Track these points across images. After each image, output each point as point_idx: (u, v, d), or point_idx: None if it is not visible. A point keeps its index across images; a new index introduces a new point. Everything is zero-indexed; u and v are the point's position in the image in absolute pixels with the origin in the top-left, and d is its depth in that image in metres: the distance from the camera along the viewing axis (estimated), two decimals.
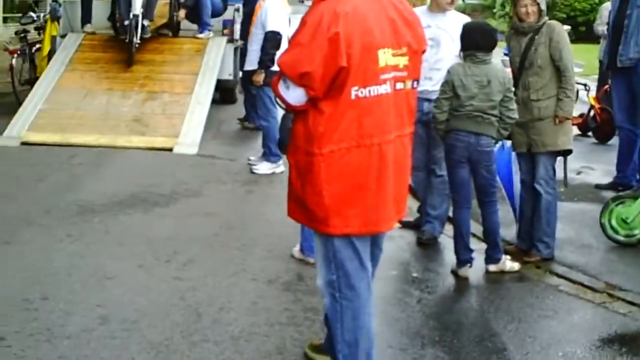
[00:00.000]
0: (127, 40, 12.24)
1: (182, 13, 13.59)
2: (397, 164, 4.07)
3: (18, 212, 7.63)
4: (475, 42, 6.22)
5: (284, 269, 6.36)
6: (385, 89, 3.92)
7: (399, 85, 3.99)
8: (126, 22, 12.11)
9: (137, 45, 12.38)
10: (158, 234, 7.19)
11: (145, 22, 12.44)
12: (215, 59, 12.89)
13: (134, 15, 12.14)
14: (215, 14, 13.75)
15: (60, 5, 13.58)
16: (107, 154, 10.22)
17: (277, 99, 4.07)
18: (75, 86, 11.95)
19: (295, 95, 3.90)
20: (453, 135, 6.29)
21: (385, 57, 3.89)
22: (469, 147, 6.21)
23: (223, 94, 14.27)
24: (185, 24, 13.94)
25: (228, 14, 13.95)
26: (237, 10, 13.47)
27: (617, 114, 9.57)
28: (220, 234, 7.29)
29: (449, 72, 6.31)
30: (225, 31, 13.88)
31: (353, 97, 3.85)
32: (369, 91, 3.87)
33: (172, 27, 13.64)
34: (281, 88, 3.94)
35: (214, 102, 12.57)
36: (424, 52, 4.20)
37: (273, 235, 7.05)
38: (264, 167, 9.61)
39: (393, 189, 4.07)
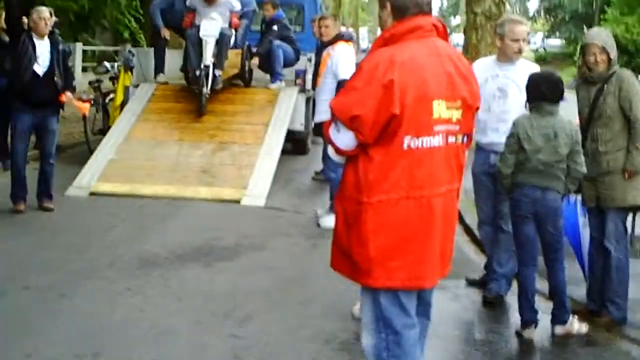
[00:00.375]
0: (197, 91, 12.33)
1: (255, 61, 13.66)
2: (446, 218, 4.02)
3: (81, 263, 7.65)
4: (542, 93, 6.03)
5: (342, 327, 6.19)
6: (437, 141, 3.90)
7: (451, 139, 3.97)
8: (197, 73, 12.24)
9: (207, 96, 12.44)
10: (218, 288, 7.12)
11: (217, 73, 12.54)
12: (287, 109, 12.88)
13: (204, 65, 12.31)
14: (288, 63, 13.81)
15: (133, 55, 13.78)
16: (175, 204, 10.22)
17: (330, 145, 4.05)
18: (146, 136, 12.05)
19: (344, 138, 3.90)
20: (518, 190, 6.09)
21: (439, 108, 3.88)
22: (535, 202, 6.00)
23: (294, 144, 14.26)
24: (257, 73, 13.99)
25: (300, 64, 14.00)
26: (310, 60, 13.48)
27: None
28: (281, 289, 7.18)
29: (514, 124, 6.11)
30: (298, 81, 13.92)
31: (405, 147, 3.84)
32: (422, 142, 3.86)
33: (244, 77, 13.65)
34: (332, 131, 3.96)
35: (286, 153, 12.55)
36: (477, 109, 4.14)
37: (334, 291, 6.88)
38: (329, 221, 9.45)
39: (440, 243, 4.00)
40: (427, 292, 4.23)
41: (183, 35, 13.78)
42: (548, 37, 65.75)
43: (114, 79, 14.56)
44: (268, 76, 13.82)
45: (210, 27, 12.53)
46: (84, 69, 25.80)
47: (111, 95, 14.16)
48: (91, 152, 12.10)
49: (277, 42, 13.62)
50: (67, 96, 9.63)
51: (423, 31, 3.97)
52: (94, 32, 30.01)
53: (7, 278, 7.13)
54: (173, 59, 13.93)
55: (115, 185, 10.79)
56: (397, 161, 3.85)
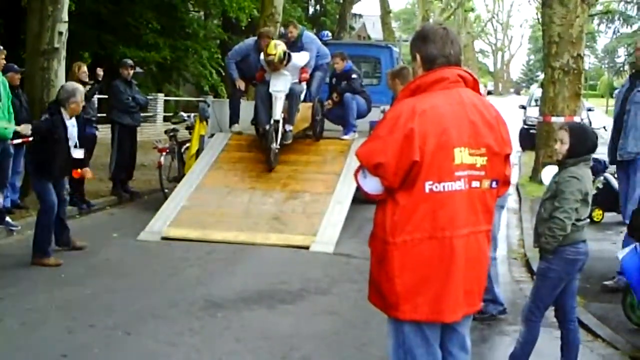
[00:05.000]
0: (266, 146, 12.65)
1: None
2: (470, 259, 4.13)
3: (146, 303, 7.82)
4: (593, 144, 5.93)
5: None
6: (459, 185, 4.04)
7: (475, 184, 4.10)
8: (267, 127, 12.49)
9: (276, 151, 12.64)
10: (277, 330, 7.20)
11: (287, 128, 12.81)
12: None
13: (274, 120, 12.54)
14: (360, 115, 13.93)
15: (209, 105, 14.09)
16: (244, 250, 10.37)
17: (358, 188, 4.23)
18: (218, 184, 12.27)
19: (371, 184, 4.09)
20: (571, 249, 5.82)
21: (462, 155, 4.03)
22: (585, 258, 5.90)
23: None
24: (330, 125, 14.16)
25: (374, 115, 14.10)
26: (383, 111, 13.56)
27: None
28: (341, 332, 7.24)
29: (577, 178, 5.73)
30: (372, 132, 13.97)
31: (427, 190, 4.00)
32: (443, 186, 4.00)
33: (315, 130, 13.80)
34: (360, 177, 4.15)
35: (357, 202, 12.60)
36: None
37: None
38: None
39: (463, 282, 4.12)
40: (460, 325, 4.33)
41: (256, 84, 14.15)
42: None
43: (190, 129, 14.88)
44: (341, 128, 13.99)
45: (280, 83, 12.74)
46: (165, 119, 26.42)
47: (187, 145, 14.47)
48: (166, 198, 12.38)
49: (349, 94, 13.78)
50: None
51: (448, 82, 4.12)
52: (177, 84, 30.74)
53: (74, 317, 7.34)
54: (247, 109, 14.19)
55: (186, 230, 11.01)
56: (419, 204, 4.01)
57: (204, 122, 13.99)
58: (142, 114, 15.50)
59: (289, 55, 12.66)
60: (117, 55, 23.69)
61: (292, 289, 8.69)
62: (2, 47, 10.96)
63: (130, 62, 14.67)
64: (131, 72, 14.27)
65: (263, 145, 12.78)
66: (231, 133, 13.91)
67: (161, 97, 27.60)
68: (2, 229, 10.94)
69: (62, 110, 9.57)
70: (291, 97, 12.81)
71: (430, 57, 4.16)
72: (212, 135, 13.86)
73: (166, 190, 13.61)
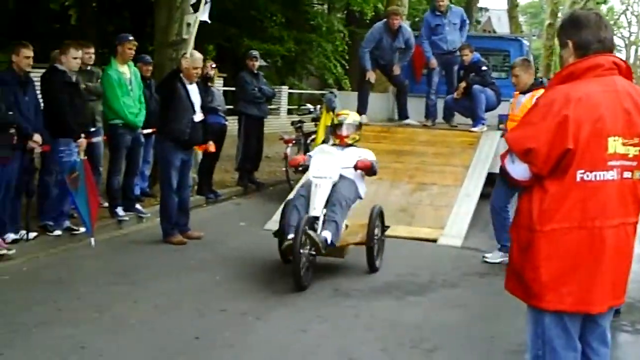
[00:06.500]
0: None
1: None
2: (618, 250, 4.05)
3: (275, 290, 7.85)
4: None
5: None
6: (612, 175, 3.95)
7: (627, 174, 4.00)
8: (290, 236, 8.07)
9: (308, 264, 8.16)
10: (406, 321, 7.13)
11: (326, 236, 8.21)
12: (488, 153, 12.75)
13: (312, 217, 8.34)
14: (489, 107, 13.69)
15: (335, 96, 14.07)
16: None
17: (505, 174, 4.14)
18: None
19: (518, 170, 4.03)
20: None
21: (615, 144, 3.94)
22: None
23: None
24: (460, 118, 13.98)
25: (504, 108, 13.84)
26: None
27: None
28: (470, 324, 7.12)
29: None
30: (501, 125, 13.74)
31: (578, 179, 3.92)
32: (595, 176, 3.92)
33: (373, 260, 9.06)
34: (507, 162, 4.08)
35: (486, 196, 12.39)
36: None
37: (524, 329, 6.71)
38: (495, 256, 9.50)
39: (611, 273, 4.03)
40: (602, 318, 4.22)
41: (390, 75, 14.09)
42: None
43: (316, 120, 14.91)
44: (470, 120, 13.80)
45: (326, 164, 8.92)
46: (289, 112, 26.63)
47: (313, 136, 14.50)
48: (292, 189, 12.41)
49: (477, 86, 13.56)
50: None
51: (602, 69, 4.01)
52: (300, 77, 30.94)
53: (205, 302, 7.43)
54: (376, 100, 14.12)
55: None
56: (570, 193, 3.93)
57: (330, 113, 13.96)
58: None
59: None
60: (242, 48, 23.97)
61: (421, 280, 8.60)
62: (132, 38, 11.15)
63: (255, 53, 14.77)
64: (256, 63, 14.37)
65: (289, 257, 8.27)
66: None
67: (285, 89, 27.81)
68: (133, 216, 11.16)
69: (182, 74, 9.89)
70: (340, 190, 8.74)
71: (585, 43, 4.04)
72: None
73: (292, 181, 13.68)
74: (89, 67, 10.92)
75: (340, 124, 9.45)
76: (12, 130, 8.69)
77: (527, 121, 4.05)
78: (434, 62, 14.24)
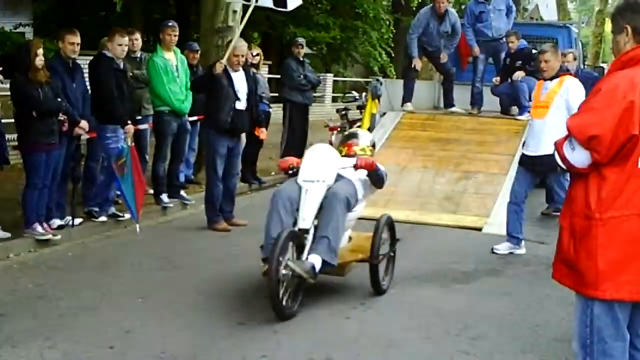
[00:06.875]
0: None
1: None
2: None
3: (318, 278, 7.79)
4: None
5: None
6: None
7: None
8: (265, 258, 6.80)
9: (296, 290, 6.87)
10: (451, 308, 7.09)
11: (315, 260, 6.66)
12: None
13: (298, 229, 6.82)
14: None
15: (381, 84, 14.03)
16: (415, 229, 10.30)
17: (560, 161, 4.08)
18: (390, 163, 12.15)
19: (579, 157, 3.97)
20: None
21: None
22: None
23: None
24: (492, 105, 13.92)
25: None
26: None
27: None
28: (515, 313, 7.06)
29: None
30: None
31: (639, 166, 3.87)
32: None
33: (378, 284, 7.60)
34: (566, 149, 4.02)
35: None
36: None
37: (569, 318, 6.63)
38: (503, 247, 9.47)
39: None
40: None
41: (437, 63, 14.02)
42: None
43: (361, 108, 14.91)
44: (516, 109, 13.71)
45: (318, 168, 7.31)
46: (334, 99, 26.60)
47: (358, 123, 14.49)
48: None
49: (520, 72, 13.40)
50: None
51: None
52: (345, 65, 30.86)
53: (250, 288, 7.50)
54: (422, 89, 14.07)
55: None
56: (630, 180, 3.88)
57: (376, 101, 13.95)
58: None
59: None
60: (287, 35, 23.97)
61: (465, 269, 8.56)
62: (172, 24, 11.14)
63: (301, 40, 14.78)
64: (302, 51, 14.37)
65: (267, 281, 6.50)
66: (403, 112, 13.82)
67: (330, 77, 27.78)
68: (177, 203, 11.23)
69: (227, 63, 9.94)
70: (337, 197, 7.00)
71: None
72: (383, 114, 13.83)
73: None
74: (136, 55, 11.00)
75: (355, 134, 8.24)
76: (62, 117, 8.76)
77: (590, 107, 3.98)
78: (476, 49, 14.17)
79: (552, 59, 9.15)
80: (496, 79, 13.79)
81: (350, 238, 7.70)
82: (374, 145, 8.21)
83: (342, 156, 7.59)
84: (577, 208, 4.02)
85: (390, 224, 7.82)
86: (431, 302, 7.26)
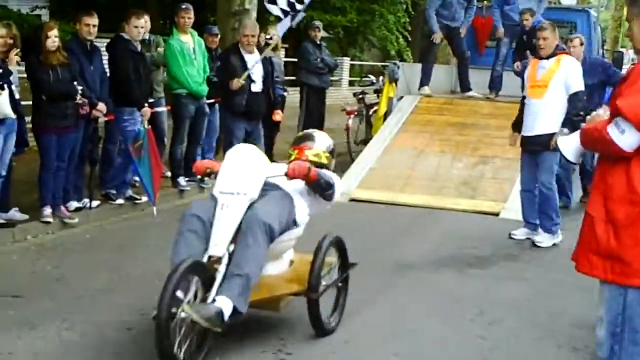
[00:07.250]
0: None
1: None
2: None
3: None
4: None
5: (593, 338, 5.94)
6: None
7: None
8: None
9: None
10: (467, 293, 7.08)
11: (223, 304, 5.07)
12: None
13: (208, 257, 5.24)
14: None
15: (398, 67, 13.97)
16: (432, 214, 10.30)
17: (599, 144, 3.95)
18: (407, 147, 12.19)
19: (630, 139, 3.80)
20: None
21: None
22: None
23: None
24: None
25: None
26: None
27: None
28: (532, 299, 7.04)
29: None
30: None
31: None
32: None
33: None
34: (612, 131, 3.83)
35: None
36: None
37: (586, 304, 6.59)
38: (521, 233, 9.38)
39: None
40: None
41: (453, 44, 13.92)
42: None
43: (379, 92, 14.86)
44: None
45: (241, 177, 5.71)
46: (351, 83, 26.52)
47: (375, 107, 14.45)
48: (353, 160, 12.38)
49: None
50: None
51: None
52: (362, 49, 30.74)
53: None
54: (439, 73, 13.99)
55: (374, 192, 10.99)
56: None
57: (393, 84, 13.90)
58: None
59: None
60: (304, 18, 23.84)
61: (482, 254, 8.54)
62: (186, 6, 11.06)
63: (318, 23, 14.71)
64: (319, 34, 14.32)
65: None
66: (420, 96, 13.77)
67: (347, 61, 27.71)
68: (194, 186, 11.25)
69: (240, 45, 10.03)
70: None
71: None
72: (400, 98, 13.78)
73: (353, 153, 13.65)
74: (144, 37, 10.95)
75: (309, 136, 6.57)
76: (81, 101, 8.74)
77: None
78: (501, 31, 13.93)
79: (551, 37, 9.07)
80: (517, 65, 13.63)
81: (291, 262, 6.13)
82: (332, 152, 6.52)
83: (292, 160, 6.00)
84: (617, 194, 3.89)
85: (339, 243, 6.17)
86: (448, 287, 7.26)
